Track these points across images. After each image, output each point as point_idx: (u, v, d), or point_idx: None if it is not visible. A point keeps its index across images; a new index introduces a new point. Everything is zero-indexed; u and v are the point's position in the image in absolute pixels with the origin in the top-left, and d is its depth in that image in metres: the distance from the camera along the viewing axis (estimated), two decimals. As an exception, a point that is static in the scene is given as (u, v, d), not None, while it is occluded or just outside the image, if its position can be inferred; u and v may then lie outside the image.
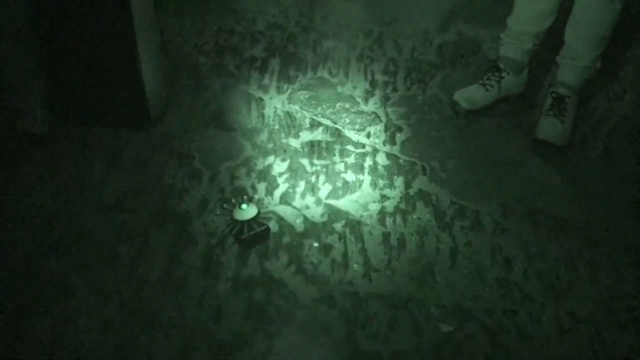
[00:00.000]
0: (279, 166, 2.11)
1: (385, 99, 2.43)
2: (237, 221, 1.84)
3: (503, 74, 2.35)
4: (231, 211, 1.88)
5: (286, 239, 1.88)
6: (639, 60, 2.48)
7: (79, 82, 2.21)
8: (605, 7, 2.00)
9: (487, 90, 2.35)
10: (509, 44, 2.33)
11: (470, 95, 2.35)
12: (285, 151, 2.16)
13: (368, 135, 2.24)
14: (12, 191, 2.02)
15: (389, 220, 1.96)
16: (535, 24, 2.20)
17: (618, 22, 2.09)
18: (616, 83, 2.43)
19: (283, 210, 1.97)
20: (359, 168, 2.11)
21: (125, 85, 2.20)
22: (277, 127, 2.28)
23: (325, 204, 1.99)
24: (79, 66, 2.18)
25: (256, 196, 1.96)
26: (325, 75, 2.55)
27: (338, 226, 1.93)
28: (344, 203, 2.01)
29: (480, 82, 2.38)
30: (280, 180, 2.06)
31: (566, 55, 2.16)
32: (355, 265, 1.82)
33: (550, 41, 2.32)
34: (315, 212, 1.97)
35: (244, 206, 1.85)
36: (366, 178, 2.08)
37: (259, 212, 1.85)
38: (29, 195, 2.01)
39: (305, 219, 1.94)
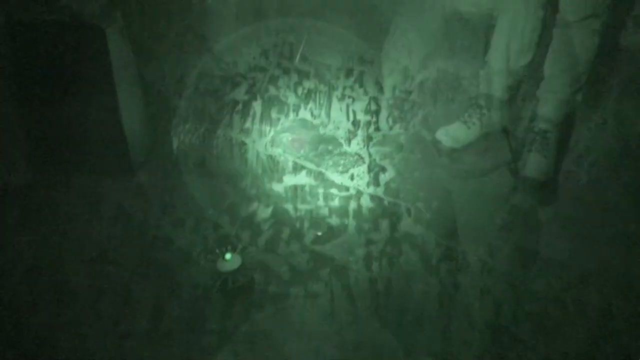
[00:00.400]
0: (263, 212, 2.10)
1: (368, 139, 2.42)
2: (221, 273, 1.81)
3: (484, 111, 2.35)
4: (215, 262, 1.85)
5: (272, 288, 1.86)
6: (619, 89, 2.49)
7: (59, 130, 2.20)
8: (584, 41, 2.00)
9: (469, 127, 2.35)
10: (488, 80, 2.34)
11: (452, 133, 2.35)
12: (269, 196, 2.14)
13: (352, 177, 2.23)
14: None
15: (375, 265, 1.94)
16: (513, 60, 2.19)
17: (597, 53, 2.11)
18: (597, 114, 2.44)
19: (268, 259, 1.94)
20: (343, 212, 2.09)
21: (106, 133, 2.20)
22: (260, 171, 2.27)
23: (310, 250, 1.96)
24: (58, 114, 2.16)
25: (240, 245, 1.93)
26: (308, 116, 2.55)
27: (324, 273, 1.91)
28: (330, 248, 1.99)
29: (462, 119, 2.38)
30: (264, 226, 2.04)
31: (546, 89, 2.16)
32: (342, 314, 1.79)
33: (533, 75, 2.34)
34: (301, 259, 1.95)
35: (227, 256, 1.83)
36: (351, 222, 2.06)
37: (243, 263, 1.82)
38: (10, 248, 1.97)
39: (291, 266, 1.93)
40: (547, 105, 2.25)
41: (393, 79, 2.73)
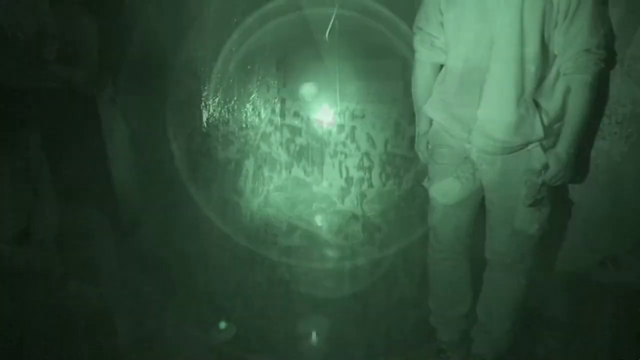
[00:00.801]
0: (257, 276, 2.07)
1: (362, 196, 2.41)
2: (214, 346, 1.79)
3: (449, 354, 2.12)
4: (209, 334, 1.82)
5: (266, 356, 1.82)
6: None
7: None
8: (510, 283, 1.94)
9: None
10: (442, 329, 2.14)
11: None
12: (263, 259, 2.12)
13: (346, 237, 2.21)
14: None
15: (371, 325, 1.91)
16: (458, 307, 2.08)
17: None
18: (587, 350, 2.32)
19: (262, 325, 1.92)
20: (339, 274, 2.07)
21: (97, 193, 2.18)
22: (254, 233, 2.24)
23: (304, 317, 1.95)
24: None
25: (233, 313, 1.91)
26: (300, 174, 2.54)
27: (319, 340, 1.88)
28: (326, 312, 1.96)
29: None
30: (258, 292, 2.02)
31: (479, 330, 2.06)
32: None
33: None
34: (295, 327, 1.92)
35: (222, 326, 1.81)
36: (346, 286, 2.04)
37: (237, 332, 1.80)
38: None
39: (285, 333, 1.90)
40: (482, 345, 2.09)
41: (385, 133, 2.74)
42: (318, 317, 1.88)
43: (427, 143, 2.05)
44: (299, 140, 2.62)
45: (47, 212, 2.16)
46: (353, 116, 2.69)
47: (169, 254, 2.10)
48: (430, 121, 2.04)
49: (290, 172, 2.53)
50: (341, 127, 2.66)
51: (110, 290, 1.96)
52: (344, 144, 2.60)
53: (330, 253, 2.09)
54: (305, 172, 2.53)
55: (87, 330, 1.88)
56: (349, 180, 2.49)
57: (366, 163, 2.53)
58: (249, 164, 2.55)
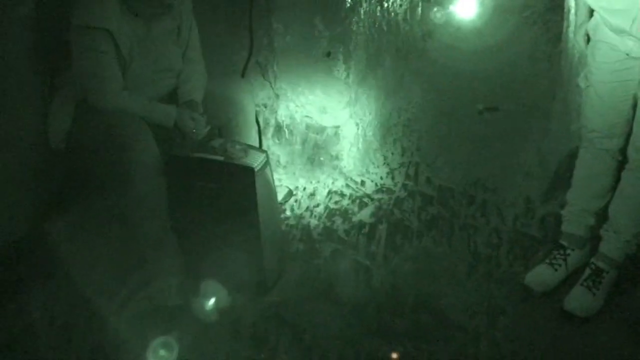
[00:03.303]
0: (385, 350, 2.22)
1: (488, 275, 2.51)
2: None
3: (568, 252, 2.41)
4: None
5: None
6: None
7: (207, 252, 2.44)
8: None
9: (555, 270, 2.41)
10: (571, 220, 2.41)
11: (540, 278, 2.41)
12: (391, 333, 2.27)
13: (471, 317, 2.32)
14: (138, 354, 2.22)
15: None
16: (594, 201, 2.30)
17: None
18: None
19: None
20: (462, 356, 2.18)
21: (246, 256, 2.42)
22: (383, 302, 2.40)
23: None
24: (208, 240, 2.41)
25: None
26: (430, 244, 2.67)
27: None
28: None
29: (547, 261, 2.45)
30: (387, 365, 2.17)
31: (609, 229, 2.24)
32: None
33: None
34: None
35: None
36: (471, 367, 2.15)
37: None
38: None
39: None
40: (608, 245, 2.32)
41: (514, 209, 2.81)
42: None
43: (586, 35, 2.15)
44: (431, 210, 2.73)
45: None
46: (485, 188, 2.77)
47: (303, 318, 2.27)
48: (591, 11, 2.11)
49: (420, 242, 2.66)
50: (472, 198, 2.75)
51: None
52: (473, 217, 2.69)
53: (456, 333, 2.19)
54: (434, 242, 2.65)
55: None
56: (476, 256, 2.58)
57: (495, 240, 2.61)
58: (382, 229, 2.70)
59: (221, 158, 2.29)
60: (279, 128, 3.03)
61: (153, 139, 2.29)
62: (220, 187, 2.32)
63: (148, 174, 2.24)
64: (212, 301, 2.14)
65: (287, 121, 3.01)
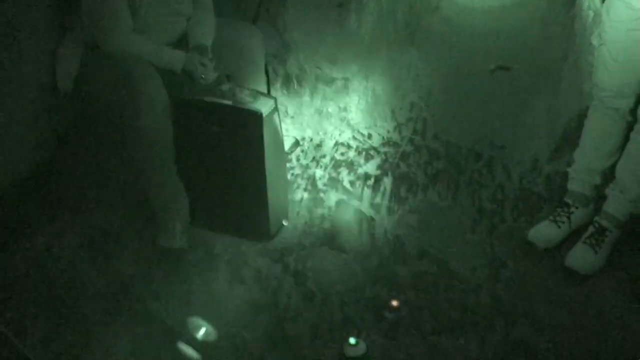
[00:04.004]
0: (387, 295, 2.24)
1: (492, 230, 2.52)
2: (346, 357, 1.99)
3: (572, 209, 2.43)
4: (341, 343, 2.03)
5: (390, 376, 2.00)
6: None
7: (212, 194, 2.46)
8: None
9: (559, 227, 2.42)
10: (577, 179, 2.44)
11: (543, 234, 2.43)
12: (393, 280, 2.29)
13: (473, 270, 2.34)
14: (144, 295, 2.26)
15: (487, 365, 2.04)
16: (601, 161, 2.32)
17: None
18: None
19: (388, 345, 2.09)
20: (462, 306, 2.21)
21: (251, 201, 2.44)
22: (386, 252, 2.42)
23: (428, 341, 2.10)
24: (213, 185, 2.42)
25: (364, 328, 2.09)
26: (435, 198, 2.68)
27: (439, 366, 2.03)
28: (446, 342, 2.12)
29: (551, 218, 2.46)
30: (387, 312, 2.19)
31: (615, 188, 2.26)
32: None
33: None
34: (418, 350, 2.08)
35: (352, 341, 2.00)
36: (468, 317, 2.18)
37: (367, 351, 1.99)
38: (159, 302, 2.24)
39: (409, 355, 2.06)
40: (613, 204, 2.33)
41: (521, 167, 2.81)
42: (439, 342, 2.01)
43: None
44: (437, 164, 2.74)
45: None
46: (492, 145, 2.76)
47: (306, 263, 2.29)
48: None
49: (425, 195, 2.66)
50: (479, 155, 2.74)
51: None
52: (480, 173, 2.69)
53: (456, 284, 2.21)
54: (439, 196, 2.66)
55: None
56: (481, 211, 2.59)
57: (500, 196, 2.61)
58: (387, 181, 2.70)
59: (229, 102, 2.28)
60: (287, 78, 3.02)
61: (162, 82, 2.29)
62: (227, 132, 2.33)
63: (156, 117, 2.25)
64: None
65: (296, 72, 3.00)
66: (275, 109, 2.33)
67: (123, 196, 2.59)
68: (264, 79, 2.75)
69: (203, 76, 2.36)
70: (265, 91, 2.75)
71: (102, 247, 2.44)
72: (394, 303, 2.22)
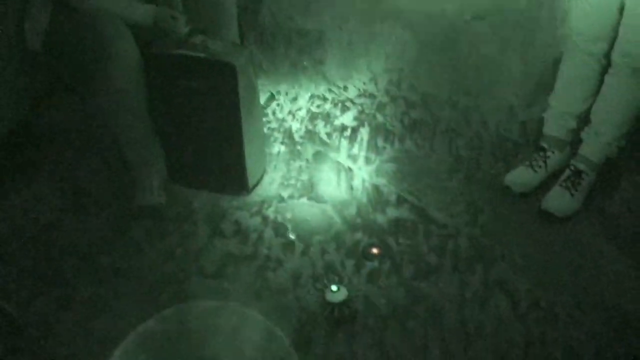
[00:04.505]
0: (367, 243, 2.26)
1: (469, 176, 2.54)
2: (328, 303, 2.01)
3: (548, 154, 2.46)
4: (323, 290, 2.05)
5: (371, 320, 2.03)
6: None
7: (188, 150, 2.44)
8: (633, 90, 2.14)
9: (535, 171, 2.46)
10: (552, 123, 2.48)
11: (520, 179, 2.46)
12: (372, 228, 2.31)
13: (451, 215, 2.36)
14: (123, 253, 2.25)
15: (467, 307, 2.08)
16: (576, 105, 2.35)
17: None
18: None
19: (369, 290, 2.12)
20: (441, 250, 2.23)
21: (229, 155, 2.42)
22: (364, 200, 2.43)
23: (408, 286, 2.13)
24: (189, 140, 2.40)
25: (345, 275, 2.11)
26: (412, 147, 2.69)
27: (419, 310, 2.07)
28: (426, 285, 2.14)
29: (527, 163, 2.49)
30: (367, 259, 2.21)
31: (590, 131, 2.29)
32: (434, 351, 1.95)
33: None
34: (399, 294, 2.11)
35: (334, 288, 2.02)
36: (447, 261, 2.20)
37: (349, 296, 2.01)
38: (140, 258, 2.24)
39: (390, 300, 2.09)
40: (589, 147, 2.38)
41: (497, 115, 2.83)
42: (420, 287, 2.04)
43: None
44: (414, 114, 2.74)
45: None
46: (468, 94, 2.77)
47: (285, 214, 2.29)
48: None
49: (402, 145, 2.67)
50: (455, 103, 2.76)
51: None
52: (456, 121, 2.70)
53: (435, 229, 2.23)
54: (416, 145, 2.67)
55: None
56: (458, 158, 2.60)
57: (477, 143, 2.63)
58: (364, 132, 2.70)
59: (202, 55, 2.24)
60: (261, 32, 2.98)
61: (132, 37, 2.24)
62: (202, 85, 2.29)
63: (128, 72, 2.21)
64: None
65: (269, 24, 2.95)
66: (250, 60, 2.30)
67: (101, 155, 2.55)
68: (237, 31, 2.71)
69: (175, 30, 2.31)
70: (239, 43, 2.71)
71: (81, 208, 2.40)
72: (374, 250, 2.21)
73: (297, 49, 2.97)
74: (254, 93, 2.39)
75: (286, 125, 2.79)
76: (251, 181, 2.48)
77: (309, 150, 2.68)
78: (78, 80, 2.41)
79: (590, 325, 2.02)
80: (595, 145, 2.27)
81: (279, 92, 2.93)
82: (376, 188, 2.51)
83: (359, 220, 2.38)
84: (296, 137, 2.74)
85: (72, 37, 2.25)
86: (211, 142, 2.40)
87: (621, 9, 2.20)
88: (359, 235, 2.32)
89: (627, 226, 2.35)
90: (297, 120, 2.82)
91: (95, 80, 2.22)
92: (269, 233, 2.32)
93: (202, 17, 2.51)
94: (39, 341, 1.95)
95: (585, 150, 2.30)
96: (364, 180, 2.53)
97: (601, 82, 2.36)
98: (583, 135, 2.30)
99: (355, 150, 2.69)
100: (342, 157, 2.66)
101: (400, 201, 2.45)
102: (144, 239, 2.31)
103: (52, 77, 2.56)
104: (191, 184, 2.51)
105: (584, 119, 2.44)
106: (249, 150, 2.41)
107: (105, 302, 2.08)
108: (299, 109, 2.87)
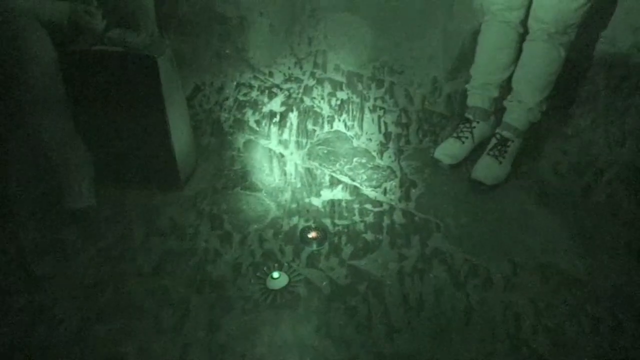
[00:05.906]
0: (304, 227, 2.27)
1: (399, 152, 2.57)
2: (270, 290, 2.01)
3: (474, 124, 2.53)
4: (264, 279, 2.05)
5: (314, 302, 2.04)
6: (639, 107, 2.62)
7: (115, 148, 2.38)
8: (551, 54, 2.21)
9: (462, 142, 2.52)
10: (475, 94, 2.53)
11: (448, 151, 2.52)
12: (308, 211, 2.32)
13: (385, 192, 2.39)
14: (56, 258, 2.18)
15: (407, 280, 2.12)
16: (497, 74, 2.41)
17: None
18: (617, 129, 2.58)
19: (310, 273, 2.13)
20: (377, 227, 2.26)
21: (157, 151, 2.37)
22: (299, 185, 2.43)
23: (348, 265, 2.15)
24: (116, 138, 2.34)
25: (285, 261, 2.12)
26: (342, 128, 2.70)
27: (361, 288, 2.09)
28: (365, 263, 2.17)
29: (455, 135, 2.55)
30: (305, 242, 2.22)
31: (513, 99, 2.36)
32: (379, 326, 1.98)
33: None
34: (340, 274, 2.13)
35: (275, 275, 2.02)
36: (385, 237, 2.24)
37: (290, 281, 2.02)
38: (74, 263, 2.18)
39: (331, 281, 2.11)
40: (512, 114, 2.45)
41: (422, 90, 2.87)
42: (359, 266, 2.06)
43: None
44: (340, 95, 2.75)
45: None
46: (392, 71, 2.80)
47: (221, 204, 2.27)
48: None
49: (332, 127, 2.68)
50: (380, 82, 2.78)
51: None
52: (382, 99, 2.73)
53: (370, 207, 2.26)
54: (346, 126, 2.68)
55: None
56: (387, 135, 2.64)
57: (404, 119, 2.67)
58: (293, 117, 2.70)
59: (121, 49, 2.18)
60: (180, 21, 2.91)
61: (47, 36, 2.16)
62: (123, 80, 2.23)
63: (43, 73, 2.13)
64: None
65: (188, 13, 2.89)
66: (169, 51, 2.25)
67: (23, 160, 2.46)
68: (155, 22, 2.64)
69: (91, 25, 2.24)
70: (157, 35, 2.65)
71: (8, 215, 2.31)
72: (312, 233, 2.22)
73: (218, 36, 2.92)
74: (176, 85, 2.35)
75: (214, 116, 2.76)
76: (183, 175, 2.44)
77: (239, 139, 2.66)
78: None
79: (528, 287, 2.08)
80: (519, 112, 2.33)
81: (203, 83, 2.89)
82: (309, 171, 2.51)
83: (294, 205, 2.38)
84: (225, 127, 2.71)
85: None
86: (138, 138, 2.35)
87: None
88: (295, 220, 2.32)
89: (555, 187, 2.44)
90: (225, 110, 2.79)
91: (10, 80, 2.13)
92: (205, 226, 2.29)
93: (118, 10, 2.44)
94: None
95: (509, 117, 2.36)
96: (296, 165, 2.53)
97: (520, 50, 2.42)
98: (506, 103, 2.36)
99: (285, 135, 2.68)
100: (273, 144, 2.65)
101: (333, 182, 2.46)
102: (77, 243, 2.24)
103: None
104: (122, 183, 2.45)
105: (506, 88, 2.50)
106: (177, 143, 2.36)
107: (42, 310, 2.01)
108: (226, 99, 2.83)
